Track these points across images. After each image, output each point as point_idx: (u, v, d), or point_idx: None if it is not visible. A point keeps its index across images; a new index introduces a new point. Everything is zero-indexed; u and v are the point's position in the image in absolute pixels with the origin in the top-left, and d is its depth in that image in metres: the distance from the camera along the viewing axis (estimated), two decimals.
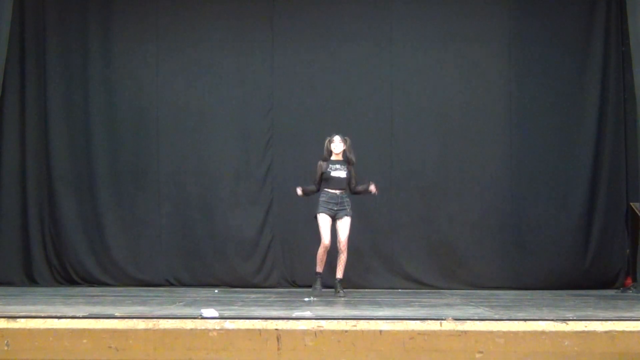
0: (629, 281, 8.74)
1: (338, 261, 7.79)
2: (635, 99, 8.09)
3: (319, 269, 7.84)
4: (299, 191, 7.85)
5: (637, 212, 8.48)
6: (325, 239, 7.70)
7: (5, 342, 5.12)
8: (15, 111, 9.22)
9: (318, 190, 7.83)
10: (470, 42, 9.17)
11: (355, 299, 7.46)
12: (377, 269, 9.03)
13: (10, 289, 8.50)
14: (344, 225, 7.73)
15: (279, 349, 5.07)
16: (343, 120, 9.02)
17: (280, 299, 7.41)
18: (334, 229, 7.79)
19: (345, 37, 9.25)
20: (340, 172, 7.78)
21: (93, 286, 8.96)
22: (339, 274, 7.82)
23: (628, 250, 8.87)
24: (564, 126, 9.07)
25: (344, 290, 7.82)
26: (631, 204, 8.68)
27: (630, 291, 8.32)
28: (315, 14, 9.34)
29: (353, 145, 7.89)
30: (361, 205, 8.84)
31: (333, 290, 7.79)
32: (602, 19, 9.07)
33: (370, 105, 9.20)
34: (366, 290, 8.65)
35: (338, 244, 7.74)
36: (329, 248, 7.76)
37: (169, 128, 9.25)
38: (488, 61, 9.18)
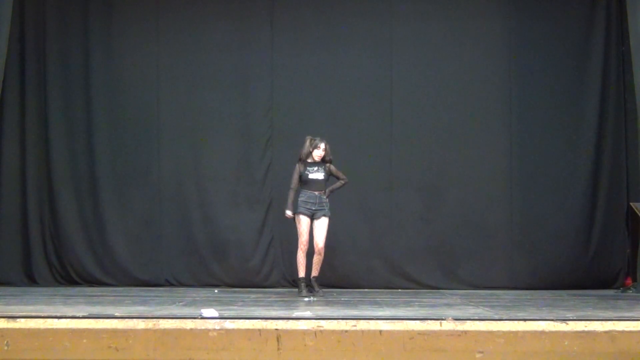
0: (629, 281, 8.75)
1: (314, 261, 7.76)
2: (635, 99, 8.10)
3: (301, 273, 7.80)
4: (290, 213, 7.75)
5: (638, 212, 8.47)
6: (303, 240, 7.70)
7: (5, 342, 5.12)
8: (16, 111, 9.22)
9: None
10: (470, 42, 9.17)
11: (356, 299, 7.45)
12: (377, 269, 9.02)
13: (10, 289, 8.50)
14: (321, 226, 7.72)
15: (279, 349, 5.07)
16: (342, 120, 9.02)
17: (280, 299, 7.41)
18: (312, 230, 7.78)
19: (345, 37, 9.25)
20: (318, 174, 7.78)
21: (93, 286, 8.96)
22: (315, 273, 7.79)
23: (628, 250, 8.88)
24: (564, 126, 9.07)
25: (322, 289, 7.80)
26: (631, 204, 8.68)
27: (631, 291, 8.33)
28: (315, 14, 9.34)
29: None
30: (361, 205, 8.86)
31: (314, 290, 7.75)
32: (602, 19, 9.07)
33: (370, 105, 9.19)
34: (366, 290, 8.65)
35: (315, 247, 7.72)
36: (307, 250, 7.75)
37: (170, 128, 9.26)
38: (488, 61, 9.18)
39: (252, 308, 6.32)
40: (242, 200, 9.18)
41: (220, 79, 9.27)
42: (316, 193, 7.77)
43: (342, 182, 7.89)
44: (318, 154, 7.82)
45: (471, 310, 6.14)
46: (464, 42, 9.18)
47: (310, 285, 7.79)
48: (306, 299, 7.41)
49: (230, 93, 9.27)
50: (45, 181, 9.21)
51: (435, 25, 9.23)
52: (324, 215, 7.73)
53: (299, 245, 7.78)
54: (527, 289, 8.61)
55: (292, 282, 8.99)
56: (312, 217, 7.75)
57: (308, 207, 7.74)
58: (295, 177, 7.80)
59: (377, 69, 9.22)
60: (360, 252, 8.93)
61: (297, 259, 7.80)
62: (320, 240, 7.70)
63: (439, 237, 9.05)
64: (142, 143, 9.26)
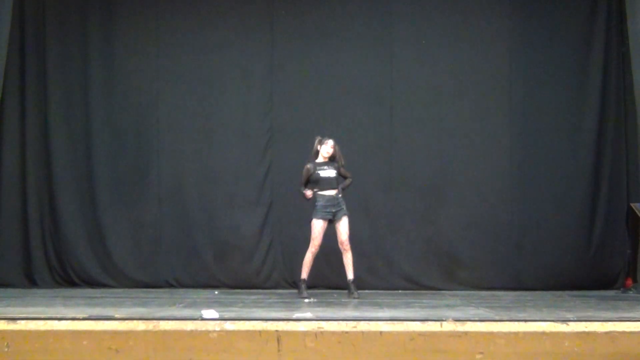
0: (629, 282, 8.74)
1: (345, 262, 7.73)
2: (635, 99, 8.09)
3: (305, 275, 7.77)
4: (309, 192, 7.74)
5: (638, 212, 8.47)
6: (317, 243, 7.66)
7: (6, 343, 5.12)
8: (16, 113, 9.20)
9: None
10: (470, 42, 9.16)
11: (356, 300, 7.45)
12: (378, 270, 9.01)
13: (11, 291, 8.49)
14: (344, 225, 7.69)
15: (279, 350, 5.07)
16: (343, 121, 9.01)
17: (281, 300, 7.41)
18: (330, 231, 7.75)
19: (345, 37, 9.24)
20: (329, 172, 7.74)
21: (93, 288, 8.94)
22: (351, 275, 7.76)
23: (629, 251, 8.87)
24: (564, 127, 9.07)
25: (358, 291, 7.80)
26: (631, 204, 8.67)
27: (631, 292, 8.33)
28: (315, 14, 9.33)
29: (343, 149, 7.94)
30: (362, 205, 8.85)
31: (351, 293, 7.73)
32: (602, 20, 9.07)
33: (371, 105, 9.18)
34: (366, 291, 8.62)
35: (341, 245, 7.70)
36: (317, 253, 7.74)
37: (169, 129, 9.24)
38: (488, 62, 9.16)
39: (253, 309, 6.31)
40: (242, 201, 9.16)
41: (220, 80, 9.26)
42: (332, 194, 7.72)
43: (350, 180, 7.88)
44: (326, 150, 7.79)
45: (471, 311, 6.14)
46: (464, 42, 9.16)
47: (349, 288, 7.75)
48: (306, 300, 7.40)
49: (230, 93, 9.26)
50: (45, 182, 9.19)
51: (435, 25, 9.22)
52: (344, 215, 7.69)
53: (310, 247, 7.72)
54: (527, 289, 8.60)
55: (293, 283, 8.97)
56: (333, 219, 7.71)
57: (328, 210, 7.67)
58: (304, 176, 7.76)
59: (377, 68, 9.21)
60: (361, 253, 8.87)
61: (305, 260, 7.75)
62: (345, 238, 7.65)
63: (439, 237, 9.04)
64: (142, 144, 9.25)
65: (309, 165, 7.80)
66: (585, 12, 9.13)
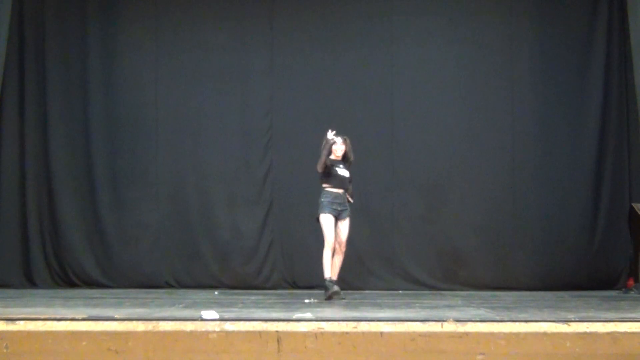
0: (631, 282, 8.73)
1: (335, 262, 7.58)
2: (637, 98, 8.08)
3: (327, 274, 7.45)
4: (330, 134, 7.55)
5: (639, 212, 8.46)
6: (331, 239, 7.45)
7: (5, 344, 5.10)
8: (15, 112, 9.22)
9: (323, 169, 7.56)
10: (471, 42, 9.16)
11: (356, 301, 7.42)
12: (378, 270, 9.01)
13: (10, 291, 8.49)
14: (346, 226, 7.62)
15: (279, 351, 5.05)
16: (343, 121, 8.98)
17: (281, 301, 7.38)
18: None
19: (346, 37, 9.24)
20: (344, 172, 7.67)
21: (92, 288, 8.94)
22: (335, 276, 7.61)
23: (630, 251, 8.85)
24: (566, 127, 9.06)
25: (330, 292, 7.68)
26: (633, 204, 8.66)
27: (633, 292, 8.32)
28: (315, 14, 9.33)
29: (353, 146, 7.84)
30: (362, 206, 8.83)
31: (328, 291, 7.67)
32: (604, 19, 9.07)
33: (371, 105, 9.18)
34: (367, 291, 8.63)
35: (339, 245, 7.61)
36: (333, 249, 7.59)
37: (168, 129, 9.25)
38: (490, 61, 9.16)
39: (253, 310, 6.29)
40: (242, 201, 9.16)
41: (220, 79, 9.26)
42: (341, 192, 7.62)
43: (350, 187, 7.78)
44: (337, 148, 7.64)
45: (472, 312, 6.12)
46: (466, 41, 9.16)
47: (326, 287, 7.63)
48: (306, 300, 7.36)
49: (230, 93, 9.25)
50: (44, 182, 9.20)
51: (436, 24, 9.23)
52: (348, 215, 7.60)
53: (325, 245, 7.45)
54: (528, 290, 8.60)
55: (293, 283, 8.98)
56: (337, 218, 7.57)
57: (334, 207, 7.52)
58: (324, 158, 7.48)
59: (377, 68, 9.21)
60: (362, 253, 8.90)
61: (323, 259, 7.46)
62: (344, 239, 7.54)
63: (440, 238, 9.04)
64: (141, 144, 9.25)
65: (328, 157, 7.56)
66: (587, 11, 9.14)
